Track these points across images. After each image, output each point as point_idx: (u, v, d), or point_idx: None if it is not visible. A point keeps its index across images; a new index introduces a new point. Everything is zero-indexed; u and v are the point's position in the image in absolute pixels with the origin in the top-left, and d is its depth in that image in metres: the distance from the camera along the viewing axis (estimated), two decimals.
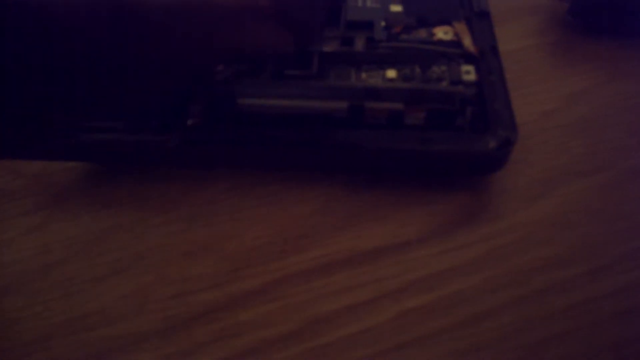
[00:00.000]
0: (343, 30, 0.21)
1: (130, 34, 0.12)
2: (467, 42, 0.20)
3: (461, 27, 0.21)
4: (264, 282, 0.17)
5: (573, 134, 0.21)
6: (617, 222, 0.18)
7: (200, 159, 0.20)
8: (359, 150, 0.18)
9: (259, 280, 0.18)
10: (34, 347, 0.16)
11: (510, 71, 0.20)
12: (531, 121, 0.21)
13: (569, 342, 0.16)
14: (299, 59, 0.20)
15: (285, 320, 0.17)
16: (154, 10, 0.13)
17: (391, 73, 0.19)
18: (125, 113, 0.19)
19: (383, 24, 0.21)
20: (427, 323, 0.16)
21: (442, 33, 0.21)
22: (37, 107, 0.13)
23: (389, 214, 0.19)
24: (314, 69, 0.19)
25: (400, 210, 0.19)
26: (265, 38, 0.15)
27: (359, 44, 0.20)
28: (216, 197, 0.20)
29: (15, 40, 0.11)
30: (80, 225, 0.19)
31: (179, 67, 0.15)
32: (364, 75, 0.20)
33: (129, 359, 0.16)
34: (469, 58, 0.20)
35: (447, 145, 0.18)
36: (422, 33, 0.21)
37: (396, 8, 0.22)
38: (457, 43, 0.20)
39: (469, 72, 0.19)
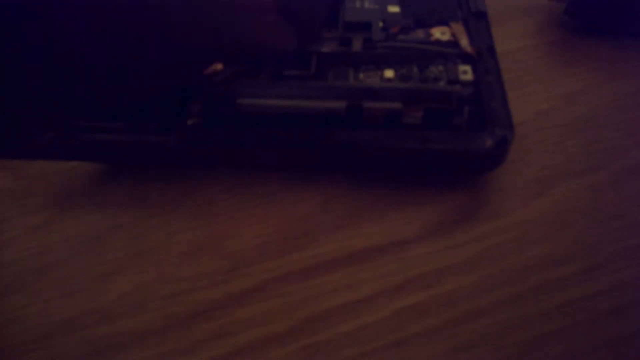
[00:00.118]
0: (341, 31, 0.21)
1: (130, 32, 0.12)
2: (464, 42, 0.20)
3: (458, 28, 0.21)
4: (262, 281, 0.18)
5: (569, 133, 0.21)
6: (612, 221, 0.18)
7: (199, 158, 0.20)
8: (357, 149, 0.18)
9: (257, 278, 0.18)
10: (35, 345, 0.17)
11: (508, 71, 0.21)
12: (528, 121, 0.21)
13: (565, 339, 0.16)
14: (297, 60, 0.20)
15: (284, 318, 0.17)
16: (155, 7, 0.12)
17: (389, 73, 0.19)
18: (125, 113, 0.19)
19: (381, 24, 0.21)
20: (424, 320, 0.16)
21: (439, 33, 0.21)
22: (38, 107, 0.13)
23: (387, 213, 0.19)
24: (313, 69, 0.20)
25: (398, 209, 0.19)
26: (269, 35, 0.15)
27: (357, 45, 0.20)
28: (215, 196, 0.20)
29: (15, 40, 0.11)
30: (80, 225, 0.19)
31: (181, 66, 0.15)
32: (362, 75, 0.20)
33: (128, 356, 0.16)
34: (466, 58, 0.20)
35: (444, 144, 0.18)
36: (420, 33, 0.21)
37: (394, 9, 0.22)
38: (454, 43, 0.20)
39: (466, 72, 0.19)
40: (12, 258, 0.19)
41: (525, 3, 0.26)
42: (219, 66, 0.19)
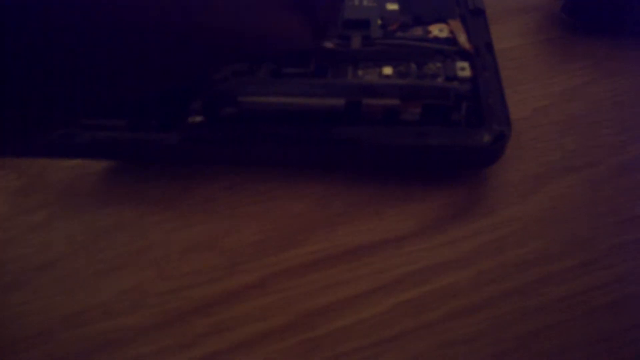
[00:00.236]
0: (340, 28, 0.21)
1: (141, 26, 0.12)
2: (462, 39, 0.20)
3: (456, 25, 0.21)
4: (261, 277, 0.18)
5: (565, 130, 0.21)
6: (608, 216, 0.19)
7: (200, 156, 0.20)
8: (356, 145, 0.18)
9: (256, 274, 0.18)
10: (36, 341, 0.17)
11: (505, 68, 0.21)
12: (525, 117, 0.21)
13: (562, 333, 0.16)
14: (297, 57, 0.20)
15: (282, 313, 0.17)
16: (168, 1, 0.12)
17: (387, 70, 0.20)
18: (126, 111, 0.19)
19: (379, 22, 0.21)
20: (422, 315, 0.17)
21: (437, 31, 0.21)
22: (38, 105, 0.13)
23: (385, 209, 0.19)
24: (312, 66, 0.20)
25: (396, 205, 0.19)
26: (284, 30, 0.15)
27: (356, 42, 0.21)
28: (215, 194, 0.20)
29: (15, 39, 0.11)
30: (81, 223, 0.20)
31: (195, 62, 0.14)
32: (360, 72, 0.20)
33: (128, 351, 0.16)
34: (464, 55, 0.20)
35: (442, 140, 0.18)
36: (418, 31, 0.21)
37: (392, 6, 0.22)
38: (452, 40, 0.21)
39: (463, 69, 0.19)
40: (15, 255, 0.19)
41: (523, 1, 0.26)
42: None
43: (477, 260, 0.18)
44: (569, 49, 0.24)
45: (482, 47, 0.20)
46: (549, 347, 0.16)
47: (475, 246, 0.18)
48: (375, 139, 0.18)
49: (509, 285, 0.17)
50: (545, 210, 0.19)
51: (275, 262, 0.18)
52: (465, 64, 0.19)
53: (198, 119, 0.19)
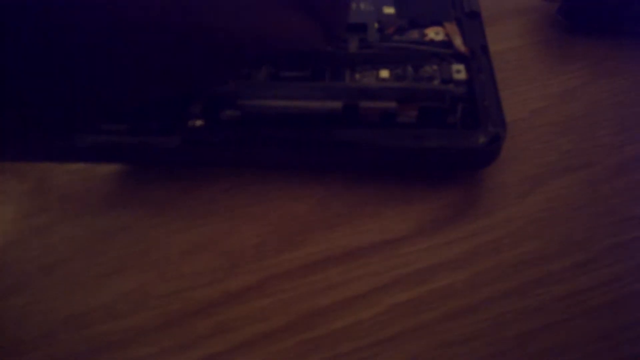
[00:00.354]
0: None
1: (143, 32, 0.12)
2: (458, 42, 0.21)
3: (452, 28, 0.21)
4: (260, 278, 0.18)
5: (562, 131, 0.21)
6: (605, 217, 0.19)
7: (200, 158, 0.20)
8: (354, 148, 0.18)
9: (255, 276, 0.18)
10: (39, 342, 0.17)
11: (501, 70, 0.21)
12: (521, 119, 0.22)
13: (560, 332, 0.16)
14: (295, 60, 0.20)
15: (281, 314, 0.17)
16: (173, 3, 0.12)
17: (384, 73, 0.20)
18: (127, 115, 0.19)
19: (376, 25, 0.22)
20: (419, 315, 0.17)
21: (433, 34, 0.21)
22: (39, 108, 0.13)
23: (383, 211, 0.19)
24: (310, 70, 0.20)
25: (393, 206, 0.19)
26: (294, 31, 0.15)
27: (353, 46, 0.21)
28: (215, 196, 0.20)
29: (15, 42, 0.11)
30: (83, 226, 0.20)
31: (196, 64, 0.14)
32: (358, 75, 0.20)
33: (130, 352, 0.16)
34: (459, 57, 0.20)
35: (439, 142, 0.18)
36: (414, 34, 0.21)
37: (389, 10, 0.22)
38: (448, 43, 0.21)
39: (459, 71, 0.19)
40: (17, 258, 0.19)
41: (519, 4, 0.26)
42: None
43: (475, 261, 0.18)
44: (566, 50, 0.24)
45: (478, 50, 0.21)
46: (547, 346, 0.16)
47: (473, 247, 0.18)
48: (372, 142, 0.18)
49: (507, 286, 0.17)
50: (542, 211, 0.19)
51: (275, 263, 0.18)
52: (461, 67, 0.20)
53: (198, 122, 0.19)
